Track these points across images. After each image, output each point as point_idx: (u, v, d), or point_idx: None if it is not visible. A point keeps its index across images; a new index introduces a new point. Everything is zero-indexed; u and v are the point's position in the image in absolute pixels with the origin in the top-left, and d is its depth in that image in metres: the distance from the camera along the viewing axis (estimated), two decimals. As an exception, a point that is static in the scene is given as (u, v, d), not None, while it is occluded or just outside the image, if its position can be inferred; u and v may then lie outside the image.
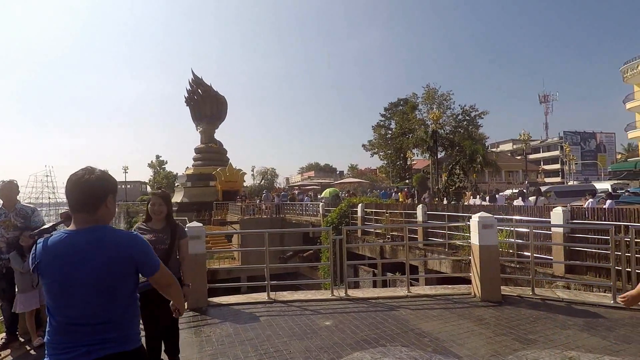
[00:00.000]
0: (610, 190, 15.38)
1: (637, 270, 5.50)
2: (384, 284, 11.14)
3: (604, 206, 9.34)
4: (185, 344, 4.04)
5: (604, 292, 5.83)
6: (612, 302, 5.09)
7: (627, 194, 14.48)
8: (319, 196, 24.95)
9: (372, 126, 48.21)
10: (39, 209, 4.68)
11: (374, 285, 11.68)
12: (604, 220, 6.63)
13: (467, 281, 5.99)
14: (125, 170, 67.01)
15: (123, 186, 71.77)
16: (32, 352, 4.04)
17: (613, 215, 6.65)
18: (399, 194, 21.58)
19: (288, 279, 13.37)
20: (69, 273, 1.51)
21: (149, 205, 3.19)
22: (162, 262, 2.78)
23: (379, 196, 21.60)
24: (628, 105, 34.82)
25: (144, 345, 1.82)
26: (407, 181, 39.66)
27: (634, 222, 6.10)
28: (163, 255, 2.97)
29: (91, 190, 1.58)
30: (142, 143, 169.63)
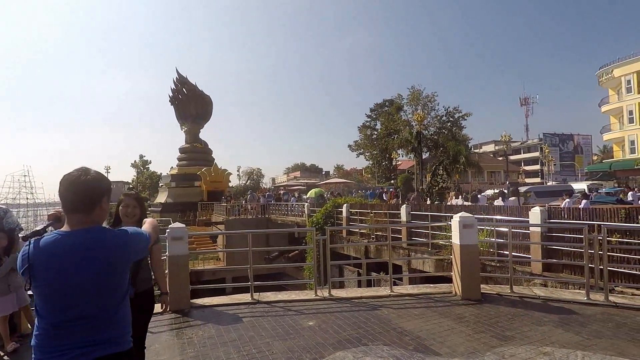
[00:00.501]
0: (586, 190, 15.89)
1: (608, 268, 5.73)
2: (369, 284, 11.24)
3: (580, 206, 9.65)
4: (166, 347, 4.00)
5: (579, 289, 6.04)
6: (585, 298, 5.28)
7: (595, 193, 15.06)
8: (304, 197, 24.94)
9: (358, 127, 48.52)
10: (12, 210, 4.55)
11: (359, 284, 11.77)
12: (579, 220, 6.86)
13: (450, 280, 6.10)
14: (107, 170, 65.37)
15: (105, 186, 69.75)
16: (5, 357, 3.92)
17: (587, 214, 6.89)
18: (388, 194, 21.77)
19: (273, 279, 13.33)
20: (68, 274, 1.49)
21: (121, 207, 2.91)
22: (132, 272, 2.62)
23: (365, 196, 21.72)
24: (603, 109, 36.09)
25: None
26: (392, 181, 40.02)
27: (606, 222, 6.34)
28: (132, 264, 2.42)
29: (87, 191, 1.57)
30: (125, 142, 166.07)
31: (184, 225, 5.59)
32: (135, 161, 71.10)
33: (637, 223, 6.07)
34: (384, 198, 20.65)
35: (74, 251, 1.51)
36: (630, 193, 9.41)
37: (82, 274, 1.50)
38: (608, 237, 5.94)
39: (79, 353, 1.48)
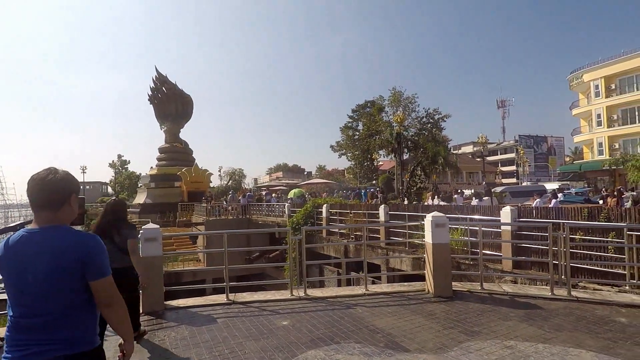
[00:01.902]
0: (556, 190, 16.55)
1: (573, 264, 6.02)
2: (348, 283, 11.35)
3: (550, 205, 10.06)
4: (136, 349, 3.92)
5: (545, 285, 6.29)
6: (550, 294, 5.52)
7: (558, 193, 15.75)
8: (286, 197, 24.93)
9: (340, 127, 48.82)
10: None
11: (339, 284, 11.88)
12: (547, 219, 7.16)
13: (425, 278, 6.24)
14: (83, 170, 63.41)
15: (81, 187, 67.84)
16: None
17: (554, 213, 7.19)
18: (375, 193, 22.00)
19: (254, 280, 13.29)
20: (23, 270, 1.53)
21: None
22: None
23: (345, 196, 21.83)
24: (574, 112, 37.56)
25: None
26: (373, 182, 40.44)
27: (571, 220, 6.64)
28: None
29: (55, 189, 1.61)
30: (104, 142, 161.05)
31: (157, 226, 5.53)
32: (113, 161, 69.33)
33: (599, 221, 6.38)
34: (364, 198, 20.87)
35: (33, 249, 1.55)
36: (537, 200, 9.98)
37: (37, 272, 1.53)
38: (572, 234, 6.23)
39: (37, 350, 1.51)
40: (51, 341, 1.53)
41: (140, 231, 5.32)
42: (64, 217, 1.65)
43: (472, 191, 20.08)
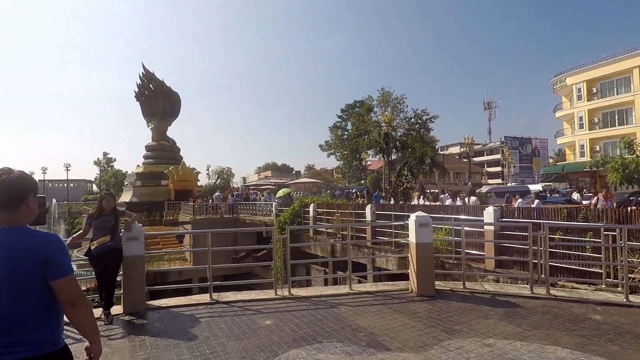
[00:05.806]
0: (540, 191, 16.91)
1: (552, 264, 6.16)
2: (335, 282, 11.38)
3: (532, 205, 10.27)
4: (116, 350, 3.90)
5: (525, 284, 6.43)
6: (529, 292, 5.64)
7: (532, 196, 16.09)
8: (274, 196, 24.89)
9: (329, 127, 48.99)
10: None
11: (325, 283, 11.89)
12: (528, 219, 7.30)
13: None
14: (67, 168, 62.10)
15: (64, 185, 66.54)
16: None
17: (535, 213, 7.35)
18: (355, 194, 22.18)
19: (241, 279, 13.21)
20: None
21: (104, 201, 4.91)
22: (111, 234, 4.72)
23: (333, 195, 21.88)
24: (557, 114, 38.41)
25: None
26: (362, 182, 40.68)
27: (551, 220, 6.79)
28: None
29: (11, 190, 1.56)
30: (89, 139, 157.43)
31: (140, 225, 5.45)
32: (98, 159, 67.98)
33: (577, 221, 6.55)
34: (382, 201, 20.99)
35: None
36: (519, 201, 10.28)
37: None
38: (552, 234, 6.37)
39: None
40: (12, 344, 1.49)
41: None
42: (21, 218, 1.60)
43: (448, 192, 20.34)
